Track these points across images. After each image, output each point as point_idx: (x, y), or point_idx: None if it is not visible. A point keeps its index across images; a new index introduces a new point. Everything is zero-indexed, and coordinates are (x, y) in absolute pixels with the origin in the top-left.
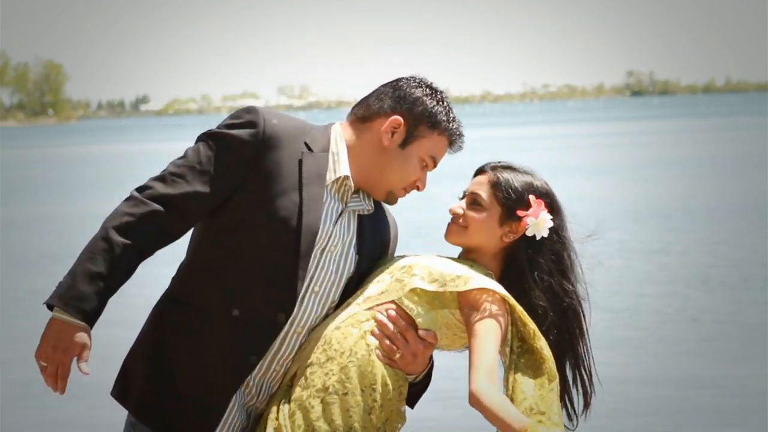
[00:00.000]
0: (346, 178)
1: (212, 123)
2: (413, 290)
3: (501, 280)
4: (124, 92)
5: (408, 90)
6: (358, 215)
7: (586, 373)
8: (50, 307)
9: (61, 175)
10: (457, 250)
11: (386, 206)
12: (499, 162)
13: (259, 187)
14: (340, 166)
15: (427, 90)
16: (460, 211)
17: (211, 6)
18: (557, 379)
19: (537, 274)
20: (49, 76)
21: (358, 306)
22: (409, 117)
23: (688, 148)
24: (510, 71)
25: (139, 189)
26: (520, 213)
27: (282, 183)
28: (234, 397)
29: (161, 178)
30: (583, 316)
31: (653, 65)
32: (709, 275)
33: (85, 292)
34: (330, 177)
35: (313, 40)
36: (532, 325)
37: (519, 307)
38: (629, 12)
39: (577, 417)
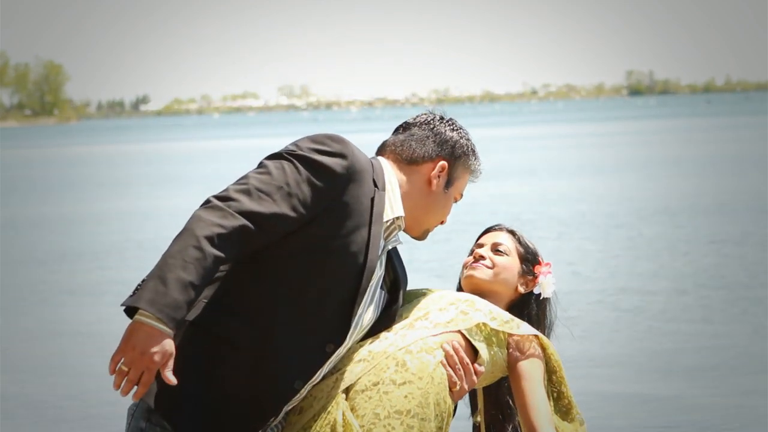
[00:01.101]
0: (398, 218)
1: (213, 123)
2: (478, 325)
3: None
4: (124, 92)
5: (447, 134)
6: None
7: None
8: (133, 309)
9: (61, 175)
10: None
11: None
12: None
13: (337, 219)
14: (395, 205)
15: (462, 132)
16: (486, 254)
17: (211, 6)
18: (585, 425)
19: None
20: (49, 76)
21: (426, 330)
22: (452, 160)
23: (690, 147)
24: (510, 71)
25: (222, 198)
26: (536, 270)
27: (357, 218)
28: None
29: (246, 192)
30: None
31: (653, 65)
32: (716, 273)
33: (179, 301)
34: (387, 216)
35: (313, 40)
36: (562, 371)
37: (556, 354)
38: (629, 12)
39: None
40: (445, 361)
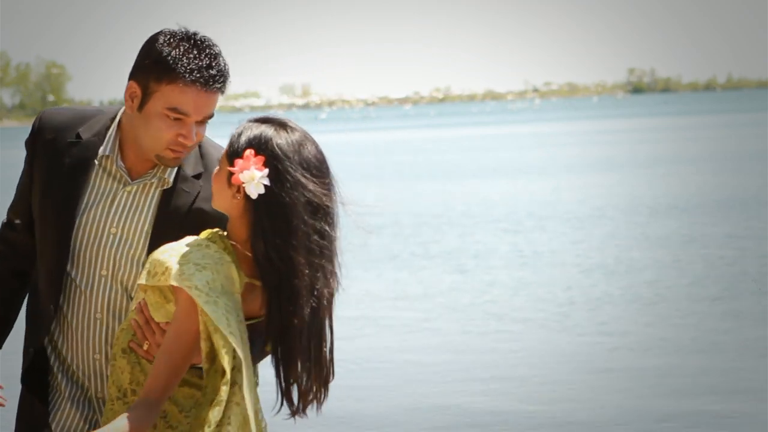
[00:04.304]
0: (102, 158)
1: (213, 122)
2: (141, 285)
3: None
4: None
5: (141, 51)
6: (164, 190)
7: (302, 362)
8: None
9: None
10: None
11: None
12: (266, 115)
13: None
14: (107, 146)
15: (153, 44)
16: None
17: (211, 5)
18: (229, 386)
19: (255, 239)
20: (51, 76)
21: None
22: (140, 76)
23: (693, 145)
24: (512, 70)
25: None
26: (230, 169)
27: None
28: (53, 382)
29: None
30: (310, 295)
31: (654, 63)
32: (728, 268)
33: None
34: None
35: (314, 39)
36: (212, 324)
37: (210, 313)
38: (630, 10)
39: (293, 409)
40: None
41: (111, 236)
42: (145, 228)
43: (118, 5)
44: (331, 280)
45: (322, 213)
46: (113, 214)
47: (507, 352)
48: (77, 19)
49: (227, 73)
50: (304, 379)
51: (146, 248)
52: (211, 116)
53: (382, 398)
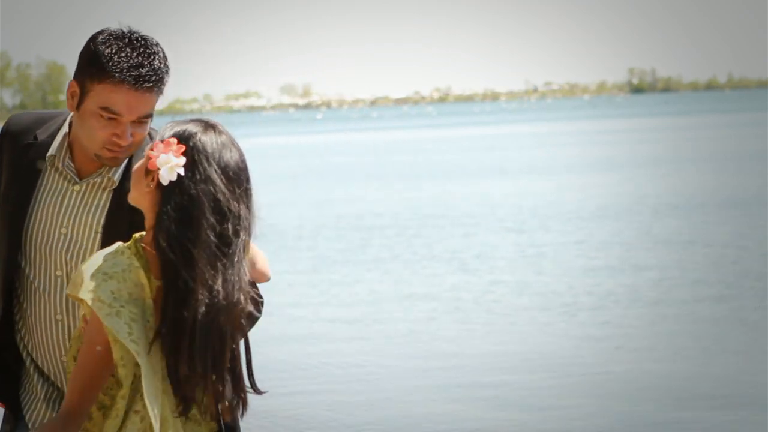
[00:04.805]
0: (50, 157)
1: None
2: (68, 294)
3: None
4: None
5: (81, 50)
6: (114, 189)
7: (189, 359)
8: None
9: None
10: None
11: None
12: (198, 116)
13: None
14: (53, 147)
15: (98, 40)
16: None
17: (211, 5)
18: (125, 391)
19: (157, 229)
20: (51, 76)
21: None
22: (79, 76)
23: (693, 145)
24: (512, 69)
25: None
26: (149, 152)
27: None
28: (28, 384)
29: None
30: (207, 293)
31: (655, 62)
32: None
33: None
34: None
35: (315, 39)
36: (121, 344)
37: (109, 324)
38: (631, 9)
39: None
40: None
41: (62, 236)
42: (95, 227)
43: (118, 5)
44: (235, 291)
45: (229, 218)
46: (63, 214)
47: (511, 353)
48: (77, 19)
49: (161, 72)
50: (194, 380)
51: (97, 248)
52: (147, 116)
53: (383, 401)
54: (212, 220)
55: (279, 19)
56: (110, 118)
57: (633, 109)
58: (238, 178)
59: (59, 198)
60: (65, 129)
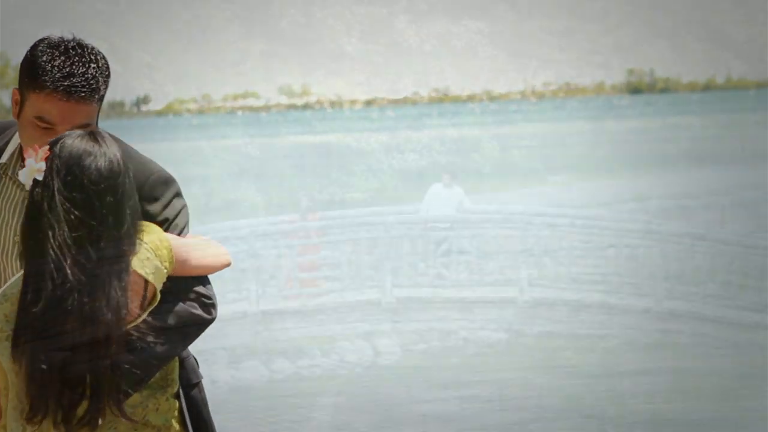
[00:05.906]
0: (5, 165)
1: (214, 122)
2: None
3: None
4: (125, 92)
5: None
6: None
7: (32, 355)
8: None
9: None
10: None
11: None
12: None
13: None
14: (4, 154)
15: (29, 52)
16: None
17: (212, 5)
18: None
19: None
20: None
21: None
22: (20, 84)
23: (693, 145)
24: (511, 70)
25: None
26: (24, 154)
27: None
28: None
29: None
30: (52, 285)
31: (653, 63)
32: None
33: None
34: None
35: (313, 39)
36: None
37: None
38: (630, 9)
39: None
40: None
41: (15, 244)
42: None
43: (118, 5)
44: (98, 292)
45: (78, 226)
46: (15, 223)
47: (513, 354)
48: (77, 20)
49: (96, 81)
50: (37, 377)
51: None
52: (84, 125)
53: (384, 402)
54: (59, 228)
55: (279, 18)
56: (45, 128)
57: (632, 109)
58: (98, 186)
59: (11, 207)
60: (17, 137)
